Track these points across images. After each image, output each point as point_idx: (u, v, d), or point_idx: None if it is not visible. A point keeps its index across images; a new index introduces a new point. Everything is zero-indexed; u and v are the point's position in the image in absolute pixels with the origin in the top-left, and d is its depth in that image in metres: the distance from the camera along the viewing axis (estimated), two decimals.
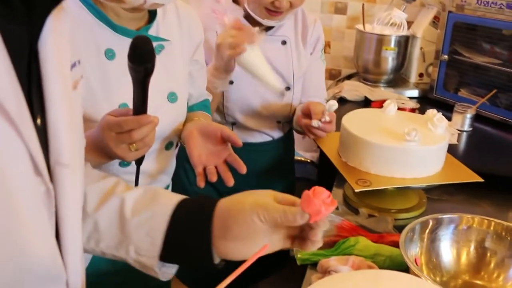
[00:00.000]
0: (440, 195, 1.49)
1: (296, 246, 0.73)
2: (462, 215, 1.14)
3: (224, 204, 0.72)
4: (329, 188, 1.49)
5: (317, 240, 0.70)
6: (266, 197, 0.71)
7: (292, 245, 0.73)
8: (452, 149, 1.52)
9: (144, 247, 0.71)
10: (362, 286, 0.79)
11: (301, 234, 0.72)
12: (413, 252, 1.09)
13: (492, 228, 1.13)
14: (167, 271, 0.74)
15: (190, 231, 0.71)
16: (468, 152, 1.72)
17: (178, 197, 0.75)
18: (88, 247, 0.74)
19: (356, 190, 1.22)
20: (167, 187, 1.16)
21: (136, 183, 0.98)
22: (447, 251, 1.13)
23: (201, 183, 1.03)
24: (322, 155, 1.80)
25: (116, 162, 1.01)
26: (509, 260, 1.09)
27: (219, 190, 1.59)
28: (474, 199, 1.49)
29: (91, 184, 0.76)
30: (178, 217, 0.72)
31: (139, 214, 0.72)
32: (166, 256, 0.72)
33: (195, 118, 1.11)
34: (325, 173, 1.72)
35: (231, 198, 0.72)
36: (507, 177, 1.55)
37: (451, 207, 1.41)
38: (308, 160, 2.21)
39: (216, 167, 1.04)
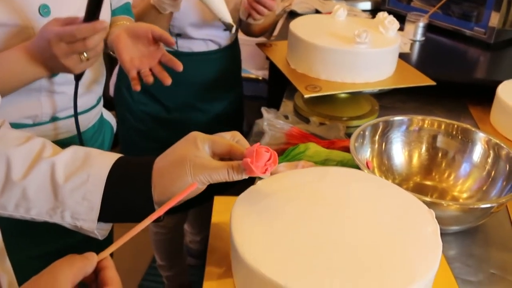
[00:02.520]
0: (392, 103, 1.47)
1: None
2: (413, 117, 1.12)
3: (162, 165, 0.68)
4: (279, 101, 1.45)
5: None
6: (203, 152, 0.67)
7: None
8: (404, 58, 1.49)
9: (81, 211, 0.67)
10: (307, 180, 0.76)
11: None
12: (365, 155, 1.08)
13: (443, 128, 1.11)
14: (104, 229, 0.71)
15: (129, 191, 0.67)
16: (420, 61, 1.70)
17: (113, 157, 0.70)
18: (17, 215, 0.69)
19: (306, 96, 1.18)
20: (99, 99, 1.08)
21: (75, 98, 0.93)
22: (398, 153, 1.12)
23: (137, 87, 0.97)
24: (272, 69, 1.75)
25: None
26: (460, 159, 1.09)
27: (167, 106, 1.53)
28: (426, 106, 1.47)
29: (14, 148, 0.69)
30: (116, 177, 0.68)
31: (73, 178, 0.67)
32: (104, 217, 0.68)
33: (119, 23, 1.03)
34: (275, 88, 1.68)
35: (168, 158, 0.68)
36: (459, 83, 1.54)
37: (404, 114, 1.40)
38: (260, 78, 2.16)
39: (150, 70, 0.98)
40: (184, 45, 1.48)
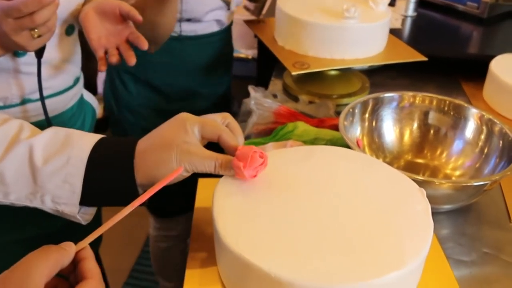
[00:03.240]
0: (383, 80, 1.44)
1: None
2: (404, 93, 1.09)
3: (146, 147, 0.64)
4: (269, 81, 1.41)
5: None
6: (192, 137, 0.64)
7: None
8: (395, 34, 1.46)
9: (62, 195, 0.64)
10: (294, 159, 0.73)
11: None
12: (355, 134, 1.05)
13: (435, 104, 1.08)
14: (87, 213, 0.68)
15: (110, 173, 0.64)
16: (412, 36, 1.66)
17: (94, 138, 0.66)
18: None
19: (293, 73, 1.15)
20: (77, 80, 1.04)
21: (39, 78, 0.89)
22: (389, 131, 1.09)
23: (102, 68, 0.93)
24: (260, 47, 1.72)
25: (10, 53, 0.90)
26: (452, 136, 1.06)
27: (168, 96, 1.46)
28: (418, 82, 1.44)
29: None
30: (97, 159, 0.64)
31: (52, 160, 0.64)
32: (86, 201, 0.65)
33: None
34: (264, 67, 1.64)
35: (153, 140, 0.65)
36: (451, 59, 1.50)
37: (395, 91, 1.37)
38: (250, 57, 2.12)
39: (118, 48, 0.94)
40: (189, 29, 1.38)
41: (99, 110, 1.19)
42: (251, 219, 0.62)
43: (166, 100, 1.47)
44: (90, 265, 0.53)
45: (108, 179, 0.64)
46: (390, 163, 1.04)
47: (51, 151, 0.64)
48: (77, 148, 0.64)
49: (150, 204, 0.64)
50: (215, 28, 1.43)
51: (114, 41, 0.93)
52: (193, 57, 1.42)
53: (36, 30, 0.78)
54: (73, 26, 0.99)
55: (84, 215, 0.67)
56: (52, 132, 0.67)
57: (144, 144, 0.64)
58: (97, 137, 0.67)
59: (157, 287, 2.00)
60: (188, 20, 1.36)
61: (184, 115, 0.66)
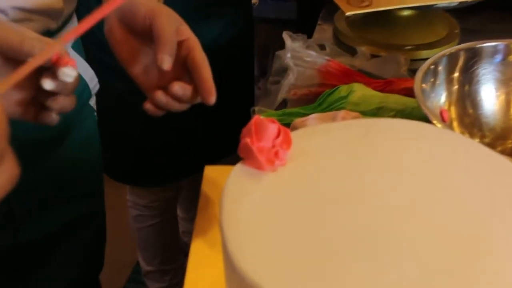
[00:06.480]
0: (481, 24, 1.41)
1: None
2: None
3: None
4: (313, 25, 1.39)
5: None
6: None
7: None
8: None
9: None
10: (346, 140, 0.68)
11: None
12: (438, 102, 1.02)
13: None
14: None
15: None
16: None
17: None
18: None
19: (348, 14, 1.14)
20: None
21: None
22: (490, 98, 1.05)
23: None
24: None
25: None
26: None
27: None
28: None
29: None
30: None
31: None
32: None
33: None
34: (308, 7, 1.61)
35: None
36: None
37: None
38: None
39: None
40: None
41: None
42: (274, 232, 0.56)
43: None
44: None
45: None
46: (491, 145, 1.01)
47: None
48: None
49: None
50: None
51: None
52: None
53: None
54: None
55: None
56: None
57: None
58: None
59: None
60: None
61: None
